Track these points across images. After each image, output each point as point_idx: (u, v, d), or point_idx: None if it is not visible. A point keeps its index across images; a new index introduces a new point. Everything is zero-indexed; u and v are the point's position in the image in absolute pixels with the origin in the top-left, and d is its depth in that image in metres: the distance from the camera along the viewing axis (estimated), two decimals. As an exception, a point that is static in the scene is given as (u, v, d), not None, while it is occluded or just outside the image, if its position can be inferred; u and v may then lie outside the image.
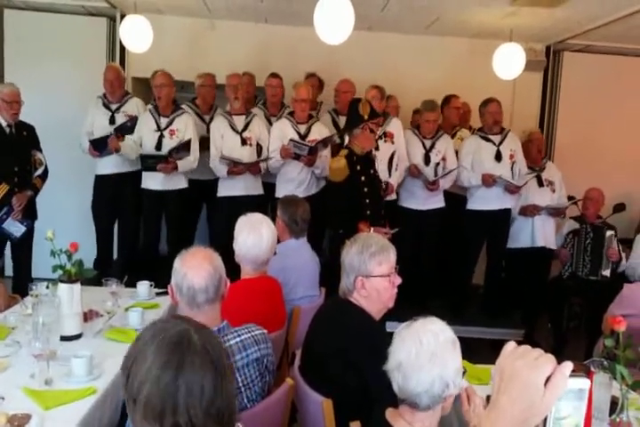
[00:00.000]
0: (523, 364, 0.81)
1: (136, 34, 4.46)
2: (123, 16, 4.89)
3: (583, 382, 0.80)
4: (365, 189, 3.74)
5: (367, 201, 3.73)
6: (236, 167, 4.22)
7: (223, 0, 4.73)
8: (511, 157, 4.42)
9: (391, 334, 1.53)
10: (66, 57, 5.15)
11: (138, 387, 1.00)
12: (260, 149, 4.39)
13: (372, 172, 3.79)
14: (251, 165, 4.26)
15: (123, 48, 5.06)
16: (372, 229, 3.58)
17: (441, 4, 4.44)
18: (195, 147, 4.35)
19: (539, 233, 4.51)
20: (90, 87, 4.63)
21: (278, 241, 2.70)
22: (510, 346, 0.85)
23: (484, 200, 4.41)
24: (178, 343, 1.03)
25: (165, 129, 4.35)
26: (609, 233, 4.35)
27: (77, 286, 2.31)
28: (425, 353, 1.42)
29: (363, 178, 3.75)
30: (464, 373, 1.50)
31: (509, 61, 4.59)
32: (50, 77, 5.14)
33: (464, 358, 1.50)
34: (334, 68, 4.99)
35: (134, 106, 4.59)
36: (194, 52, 5.33)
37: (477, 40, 5.33)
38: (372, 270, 2.00)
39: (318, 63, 5.05)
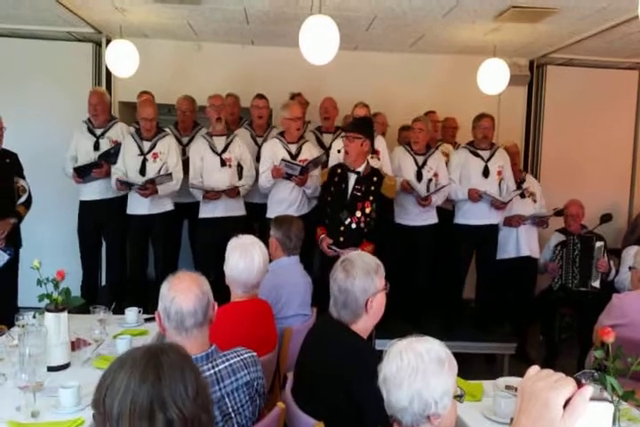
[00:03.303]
0: (543, 385, 0.84)
1: (122, 58, 4.48)
2: (109, 41, 4.92)
3: (605, 407, 0.81)
4: (329, 199, 3.85)
5: (328, 210, 3.83)
6: (209, 193, 4.24)
7: (209, 23, 4.78)
8: (499, 173, 4.45)
9: (382, 352, 1.52)
10: (52, 83, 5.18)
11: (120, 405, 1.05)
12: (240, 169, 4.39)
13: (343, 186, 3.79)
14: (225, 191, 4.26)
15: (109, 73, 5.09)
16: (326, 238, 3.72)
17: (425, 22, 4.50)
18: (177, 169, 4.35)
19: (523, 243, 4.56)
20: (76, 113, 4.62)
21: (271, 260, 2.68)
22: (534, 370, 0.89)
23: (470, 215, 4.44)
24: (151, 354, 1.11)
25: (148, 153, 4.34)
26: (598, 244, 4.37)
27: (64, 315, 2.28)
28: (405, 370, 1.41)
29: (332, 188, 3.85)
30: (461, 396, 1.47)
31: (494, 76, 4.64)
32: (36, 104, 5.16)
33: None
34: (321, 88, 5.02)
35: (119, 131, 4.57)
36: (180, 75, 5.36)
37: (462, 56, 5.39)
38: (378, 286, 2.02)
39: (305, 84, 5.10)
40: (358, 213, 3.71)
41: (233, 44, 5.45)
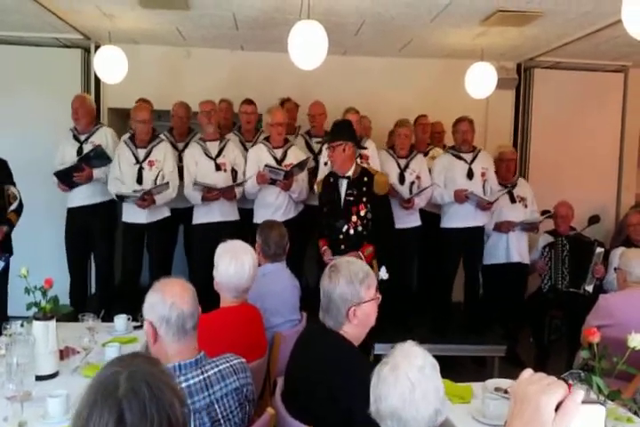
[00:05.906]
0: (535, 389, 0.84)
1: (110, 65, 4.47)
2: (97, 47, 4.90)
3: (597, 409, 0.81)
4: (325, 209, 3.82)
5: (323, 222, 3.79)
6: (209, 193, 4.21)
7: (198, 28, 4.78)
8: (483, 174, 4.49)
9: (377, 358, 1.51)
10: (40, 90, 5.15)
11: None
12: (235, 174, 4.40)
13: (336, 195, 3.75)
14: (225, 190, 4.24)
15: (98, 79, 5.06)
16: (326, 251, 3.66)
17: (413, 27, 4.52)
18: (173, 176, 4.33)
19: (513, 248, 4.57)
20: (64, 120, 4.58)
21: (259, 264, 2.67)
22: (527, 373, 0.89)
23: (456, 218, 4.46)
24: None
25: (144, 161, 4.32)
26: (599, 250, 4.37)
27: (52, 324, 2.26)
28: (418, 393, 1.39)
29: (323, 198, 3.84)
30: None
31: (481, 80, 4.66)
32: (24, 111, 5.13)
33: (446, 376, 1.49)
34: (310, 93, 5.03)
35: (103, 135, 4.54)
36: (170, 80, 5.36)
37: (449, 60, 5.42)
38: (364, 297, 1.97)
39: (295, 89, 5.11)
40: (354, 218, 3.67)
41: (222, 49, 5.45)
